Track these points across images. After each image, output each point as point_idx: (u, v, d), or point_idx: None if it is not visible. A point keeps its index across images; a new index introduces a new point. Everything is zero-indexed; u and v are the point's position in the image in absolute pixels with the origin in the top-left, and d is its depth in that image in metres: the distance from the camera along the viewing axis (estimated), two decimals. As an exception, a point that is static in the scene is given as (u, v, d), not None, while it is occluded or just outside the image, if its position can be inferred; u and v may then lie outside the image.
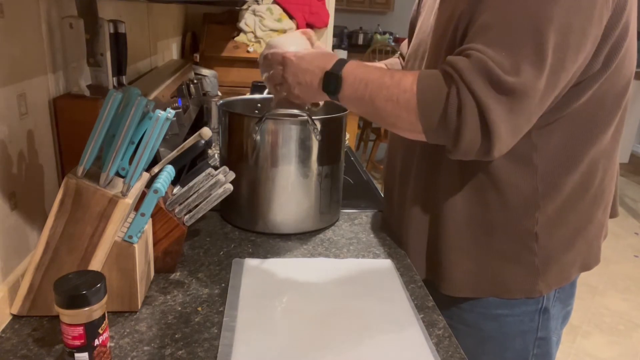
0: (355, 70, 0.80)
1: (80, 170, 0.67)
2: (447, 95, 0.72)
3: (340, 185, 1.10)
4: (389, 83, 0.77)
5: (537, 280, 0.87)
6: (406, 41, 1.18)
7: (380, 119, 0.81)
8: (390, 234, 1.05)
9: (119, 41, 1.07)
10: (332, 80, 0.81)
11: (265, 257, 0.93)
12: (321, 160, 1.01)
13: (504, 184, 0.83)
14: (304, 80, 0.84)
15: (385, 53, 5.36)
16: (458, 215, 0.87)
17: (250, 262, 0.90)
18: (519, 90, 0.69)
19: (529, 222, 0.84)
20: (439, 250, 0.90)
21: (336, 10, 2.82)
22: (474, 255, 0.88)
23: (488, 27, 0.72)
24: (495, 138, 0.71)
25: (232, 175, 0.84)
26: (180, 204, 0.84)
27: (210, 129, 1.01)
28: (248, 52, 2.44)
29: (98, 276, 0.61)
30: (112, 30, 1.04)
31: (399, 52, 1.23)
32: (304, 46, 0.93)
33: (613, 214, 0.96)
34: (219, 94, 1.90)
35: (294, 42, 0.92)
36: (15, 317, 0.72)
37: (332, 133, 1.02)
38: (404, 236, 0.98)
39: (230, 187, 0.83)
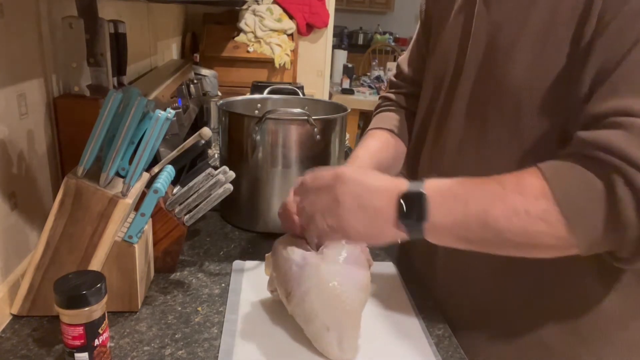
0: (441, 185, 0.60)
1: (80, 170, 0.67)
2: (608, 190, 0.54)
3: (340, 185, 1.10)
4: (502, 191, 0.58)
5: None
6: (406, 56, 0.98)
7: (506, 245, 0.59)
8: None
9: (119, 41, 1.07)
10: (413, 202, 0.59)
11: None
12: (321, 160, 1.01)
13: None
14: (372, 203, 0.61)
15: (385, 53, 5.37)
16: (576, 310, 0.71)
17: (251, 264, 0.90)
18: None
19: None
20: (536, 354, 0.74)
21: (336, 10, 2.83)
22: (597, 353, 0.72)
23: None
24: None
25: (232, 175, 0.84)
26: (180, 204, 0.84)
27: (210, 129, 1.01)
28: (248, 52, 2.44)
29: (98, 276, 0.60)
30: (112, 30, 1.04)
31: (392, 71, 1.02)
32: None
33: None
34: (219, 94, 1.90)
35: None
36: (15, 317, 0.71)
37: (332, 133, 1.02)
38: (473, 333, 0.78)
39: (230, 187, 0.83)
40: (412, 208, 0.59)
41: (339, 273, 0.66)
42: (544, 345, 0.74)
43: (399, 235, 0.62)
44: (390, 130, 0.95)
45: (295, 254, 0.69)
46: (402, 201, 0.60)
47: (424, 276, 0.87)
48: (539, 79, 0.65)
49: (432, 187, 0.60)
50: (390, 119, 0.97)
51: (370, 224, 0.62)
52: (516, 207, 0.56)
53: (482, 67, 0.73)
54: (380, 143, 0.93)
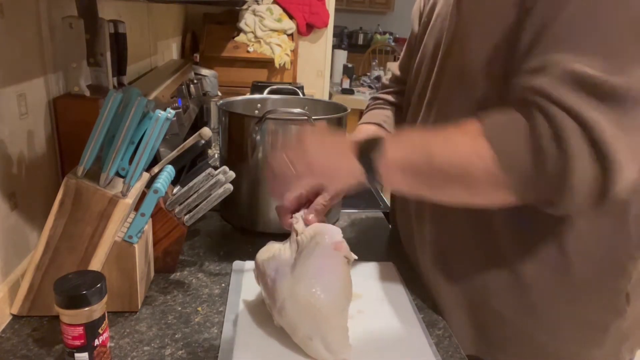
0: (395, 135, 0.68)
1: (80, 170, 0.67)
2: (531, 125, 0.57)
3: (340, 185, 1.10)
4: (444, 132, 0.63)
5: (621, 348, 0.76)
6: (397, 62, 1.03)
7: (446, 184, 0.63)
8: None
9: (119, 41, 1.07)
10: (370, 142, 0.64)
11: (265, 257, 0.93)
12: (321, 160, 1.01)
13: (584, 231, 0.67)
14: (334, 141, 0.69)
15: (385, 53, 5.37)
16: (523, 276, 0.72)
17: (251, 265, 0.90)
18: (630, 94, 0.54)
19: (620, 281, 0.71)
20: (490, 323, 0.77)
21: (336, 10, 2.83)
22: (548, 327, 0.74)
23: (571, 32, 0.57)
24: (615, 164, 0.54)
25: (232, 175, 0.84)
26: (180, 204, 0.84)
27: (210, 129, 1.01)
28: (248, 52, 2.44)
29: (98, 276, 0.60)
30: (112, 30, 1.04)
31: (388, 74, 1.06)
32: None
33: None
34: (219, 94, 1.90)
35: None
36: (15, 317, 0.72)
37: (332, 133, 1.02)
38: (440, 300, 0.82)
39: (230, 187, 0.83)
40: (369, 146, 0.64)
41: (310, 280, 0.65)
42: (499, 316, 0.76)
43: (358, 170, 0.64)
44: (379, 125, 0.98)
45: (270, 267, 0.70)
46: (364, 140, 0.65)
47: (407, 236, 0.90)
48: (493, 60, 0.68)
49: (387, 136, 0.67)
50: (379, 115, 1.00)
51: (333, 158, 0.66)
52: (456, 143, 0.62)
53: (446, 58, 0.77)
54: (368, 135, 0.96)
